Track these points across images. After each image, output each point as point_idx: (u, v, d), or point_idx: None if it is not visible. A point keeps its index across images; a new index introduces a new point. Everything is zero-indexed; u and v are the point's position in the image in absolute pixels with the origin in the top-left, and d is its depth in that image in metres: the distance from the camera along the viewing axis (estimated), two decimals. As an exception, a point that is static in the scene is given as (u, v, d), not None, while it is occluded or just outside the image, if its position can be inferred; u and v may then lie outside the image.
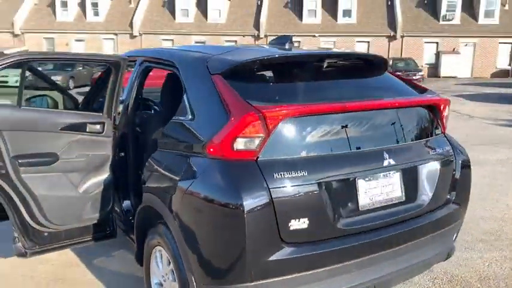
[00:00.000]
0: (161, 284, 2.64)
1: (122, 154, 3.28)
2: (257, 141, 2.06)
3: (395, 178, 2.41)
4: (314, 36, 33.16)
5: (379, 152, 2.33)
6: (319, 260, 2.13)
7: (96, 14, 35.00)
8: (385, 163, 2.32)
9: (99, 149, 3.12)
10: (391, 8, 33.21)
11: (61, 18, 35.16)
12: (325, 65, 2.49)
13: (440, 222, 2.61)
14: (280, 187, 2.04)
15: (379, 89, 2.68)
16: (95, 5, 34.96)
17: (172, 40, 33.52)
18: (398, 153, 2.42)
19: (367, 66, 2.81)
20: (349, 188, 2.26)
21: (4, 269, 3.52)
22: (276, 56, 2.52)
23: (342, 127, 2.28)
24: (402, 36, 32.60)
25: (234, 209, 1.98)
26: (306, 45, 32.49)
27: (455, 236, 2.85)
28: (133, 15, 34.49)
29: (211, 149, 2.12)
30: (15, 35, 34.71)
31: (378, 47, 32.84)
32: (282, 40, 2.79)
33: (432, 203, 2.56)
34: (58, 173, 2.98)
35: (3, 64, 2.66)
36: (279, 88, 2.39)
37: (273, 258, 2.03)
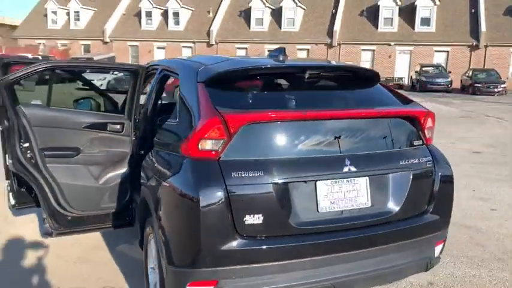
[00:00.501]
0: (154, 269, 2.95)
1: (142, 152, 3.66)
2: (219, 143, 2.29)
3: (361, 184, 2.50)
4: (389, 45, 32.42)
5: (341, 159, 2.45)
6: (273, 254, 2.29)
7: (177, 23, 37.04)
8: (346, 169, 2.43)
9: (119, 146, 3.53)
10: (474, 16, 31.51)
11: (145, 27, 37.63)
12: (301, 75, 2.66)
13: (414, 231, 2.64)
14: (237, 185, 2.25)
15: (356, 100, 2.79)
16: (176, 15, 37.02)
17: (246, 48, 34.54)
18: (365, 160, 2.52)
19: (353, 77, 2.93)
20: (308, 191, 2.39)
21: (40, 251, 4.04)
22: (248, 67, 2.73)
23: (304, 133, 2.44)
24: (486, 46, 30.78)
25: (192, 202, 2.22)
26: (380, 53, 31.99)
27: (439, 247, 2.84)
28: (211, 24, 36.02)
29: (183, 148, 2.39)
30: (105, 43, 37.74)
31: (458, 56, 31.38)
32: (276, 52, 2.97)
33: (403, 211, 2.59)
34: (80, 165, 3.42)
35: (34, 70, 3.15)
36: (250, 96, 2.60)
37: (227, 248, 2.23)
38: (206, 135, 2.28)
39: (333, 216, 2.45)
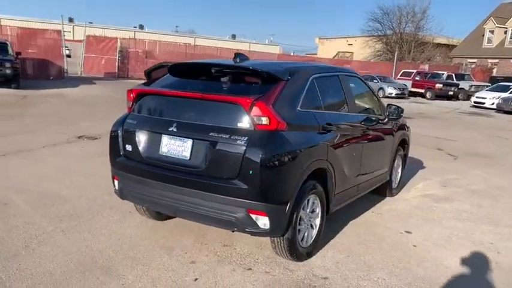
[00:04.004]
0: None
1: None
2: (130, 104, 3.91)
3: (188, 143, 3.47)
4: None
5: (179, 123, 3.51)
6: (134, 171, 3.73)
7: None
8: (180, 131, 3.49)
9: None
10: None
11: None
12: (203, 70, 3.93)
13: (217, 188, 3.32)
14: (127, 126, 3.80)
15: (217, 87, 3.62)
16: None
17: None
18: (191, 128, 3.46)
19: (239, 73, 3.72)
20: (157, 139, 3.63)
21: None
22: (171, 63, 4.06)
23: (164, 104, 3.76)
24: None
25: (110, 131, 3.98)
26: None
27: (262, 220, 3.29)
28: None
29: None
30: None
31: None
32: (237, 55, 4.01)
33: (208, 170, 3.36)
34: None
35: (155, 67, 5.93)
36: (165, 79, 4.01)
37: (118, 160, 3.87)
38: (128, 99, 3.95)
39: (166, 159, 3.57)
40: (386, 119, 5.31)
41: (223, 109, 3.45)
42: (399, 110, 5.37)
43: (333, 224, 4.67)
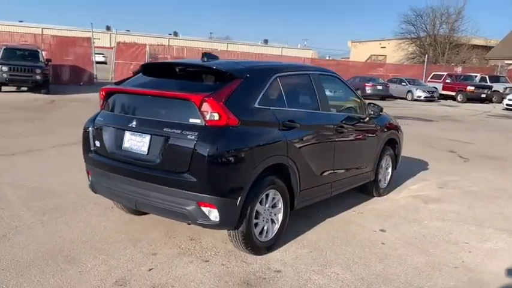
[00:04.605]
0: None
1: None
2: (102, 102, 4.10)
3: (146, 138, 3.62)
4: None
5: (139, 119, 3.69)
6: (102, 165, 3.94)
7: None
8: (140, 127, 3.67)
9: None
10: None
11: None
12: (168, 69, 4.10)
13: (170, 182, 3.47)
14: (96, 124, 4.00)
15: (177, 85, 3.75)
16: None
17: None
18: (148, 124, 3.63)
19: (198, 71, 3.90)
20: (120, 135, 3.80)
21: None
22: (146, 63, 4.30)
23: (129, 101, 3.95)
24: None
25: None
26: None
27: (213, 212, 3.41)
28: None
29: None
30: None
31: None
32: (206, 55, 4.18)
33: (162, 164, 3.51)
34: None
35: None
36: (135, 78, 4.19)
37: (89, 155, 4.07)
38: (99, 98, 4.19)
39: (127, 153, 3.74)
40: (368, 118, 5.30)
41: (178, 106, 3.59)
42: (379, 109, 5.37)
43: (306, 220, 4.73)
